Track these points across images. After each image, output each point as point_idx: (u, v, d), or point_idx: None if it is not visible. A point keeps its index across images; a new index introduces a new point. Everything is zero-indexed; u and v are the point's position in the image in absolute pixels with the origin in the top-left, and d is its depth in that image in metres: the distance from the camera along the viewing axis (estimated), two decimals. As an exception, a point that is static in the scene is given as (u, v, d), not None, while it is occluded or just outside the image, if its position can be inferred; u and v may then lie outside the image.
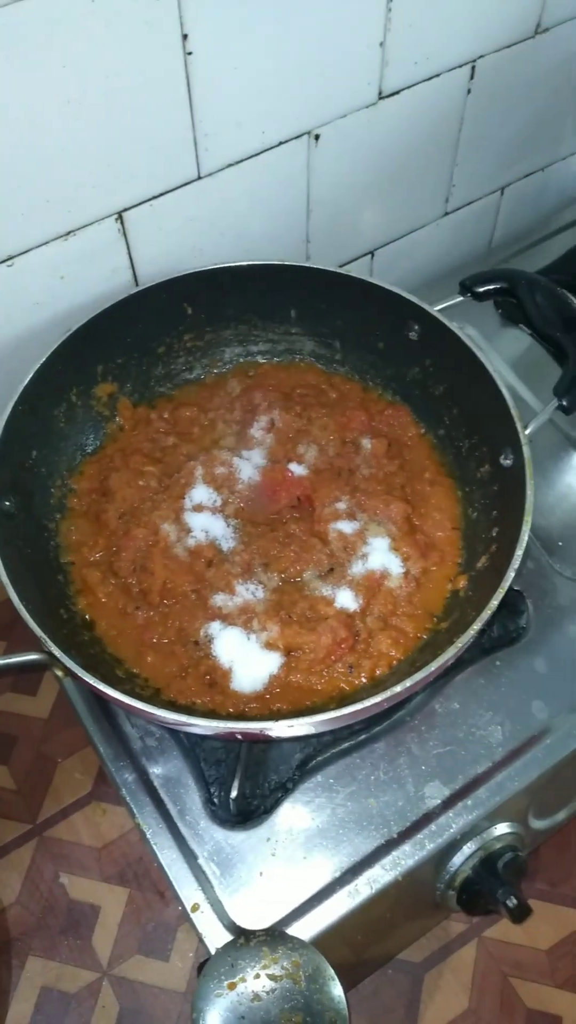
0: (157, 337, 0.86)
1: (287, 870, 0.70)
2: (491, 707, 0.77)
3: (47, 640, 0.63)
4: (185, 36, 0.70)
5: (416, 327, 0.83)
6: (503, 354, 0.98)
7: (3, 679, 1.01)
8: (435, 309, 0.80)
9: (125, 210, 0.79)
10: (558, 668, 0.79)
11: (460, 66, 0.91)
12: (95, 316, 0.78)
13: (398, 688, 0.61)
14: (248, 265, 0.82)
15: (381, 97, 0.87)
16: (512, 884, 0.74)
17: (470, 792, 0.73)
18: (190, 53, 0.71)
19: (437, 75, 0.90)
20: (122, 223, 0.80)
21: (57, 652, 0.62)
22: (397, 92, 0.88)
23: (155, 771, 0.74)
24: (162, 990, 0.85)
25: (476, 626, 0.64)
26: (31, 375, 0.75)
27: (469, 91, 0.94)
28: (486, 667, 0.80)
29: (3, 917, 0.88)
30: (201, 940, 0.68)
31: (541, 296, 0.80)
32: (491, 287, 0.82)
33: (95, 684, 0.61)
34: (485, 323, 0.99)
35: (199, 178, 0.81)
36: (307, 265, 0.83)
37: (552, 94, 1.03)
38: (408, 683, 0.61)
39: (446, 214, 1.08)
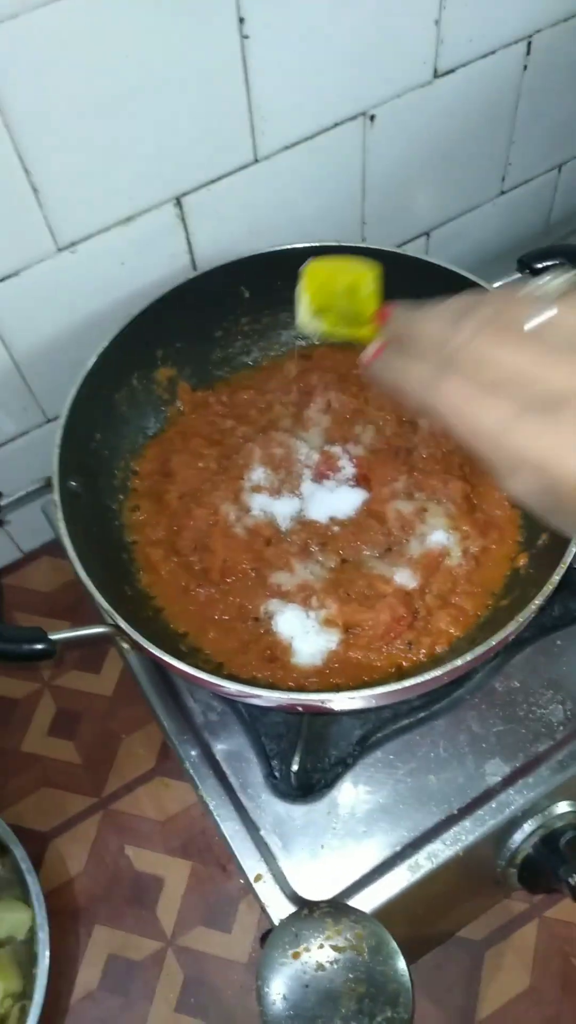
0: (215, 321, 0.88)
1: (348, 843, 0.71)
2: (552, 686, 0.77)
3: (113, 612, 0.65)
4: (242, 20, 0.71)
5: None
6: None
7: (69, 657, 1.03)
8: (493, 287, 0.80)
9: (183, 195, 0.81)
10: (620, 647, 0.78)
11: (516, 42, 0.90)
12: (154, 301, 0.80)
13: (459, 662, 0.61)
14: (305, 247, 0.83)
15: (436, 76, 0.87)
16: (574, 863, 0.73)
17: (531, 770, 0.73)
18: (247, 37, 0.72)
19: (493, 52, 0.89)
20: (180, 208, 0.81)
21: (123, 624, 0.64)
22: (452, 70, 0.88)
23: (217, 745, 0.76)
24: (225, 961, 0.87)
25: (537, 601, 0.64)
26: (94, 360, 0.77)
27: (525, 67, 0.93)
28: (547, 646, 0.79)
29: (71, 887, 0.91)
30: (264, 910, 0.69)
31: (601, 271, 0.79)
32: (550, 263, 0.81)
33: (160, 655, 0.63)
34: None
35: (256, 161, 0.82)
36: (363, 245, 0.84)
37: (610, 68, 1.01)
38: (469, 657, 0.61)
39: (502, 193, 1.07)
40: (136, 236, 0.81)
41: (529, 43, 0.91)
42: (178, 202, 0.81)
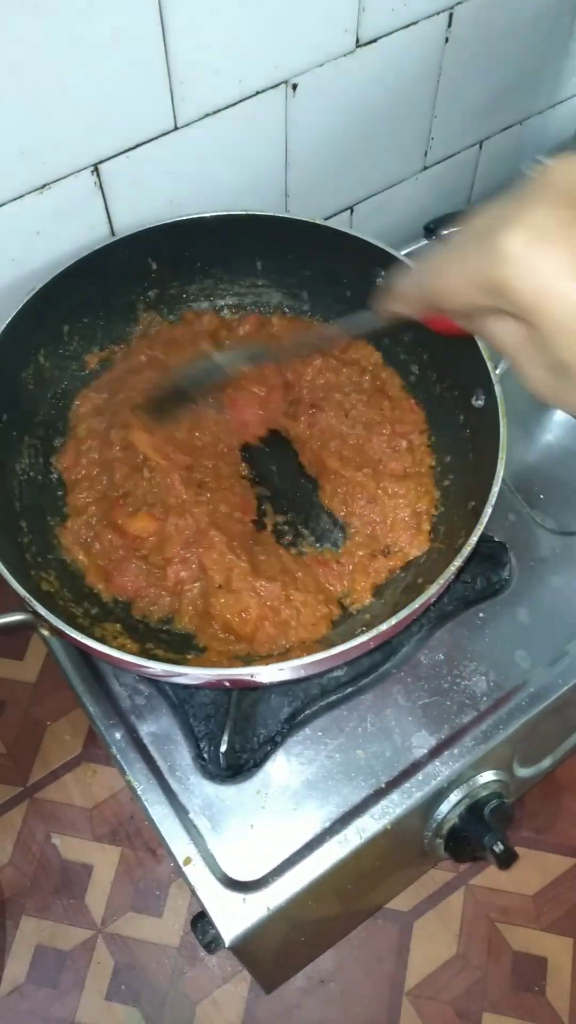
0: (122, 294, 0.85)
1: (278, 822, 0.71)
2: (475, 658, 0.78)
3: (30, 598, 0.62)
4: (158, -22, 0.68)
5: (383, 273, 0.82)
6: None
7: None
8: (401, 253, 0.79)
9: (101, 162, 0.77)
10: (540, 618, 0.80)
11: (437, 13, 0.89)
12: (57, 275, 0.76)
13: (384, 627, 0.61)
14: (211, 216, 0.81)
15: (359, 45, 0.86)
16: (499, 830, 0.75)
17: (456, 741, 0.74)
18: (164, -4, 0.70)
19: (415, 23, 0.88)
20: (98, 175, 0.78)
21: (42, 610, 0.62)
22: (375, 40, 0.86)
23: (145, 729, 0.75)
24: (156, 945, 0.86)
25: (456, 563, 0.64)
26: (-4, 337, 0.73)
27: (447, 40, 0.93)
28: (470, 619, 0.80)
29: (-4, 879, 0.89)
30: (193, 893, 0.69)
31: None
32: (455, 229, 0.81)
33: (81, 639, 0.61)
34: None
35: (176, 128, 0.80)
36: (269, 214, 0.82)
37: (528, 46, 1.02)
38: (393, 621, 0.61)
39: (425, 168, 1.06)
40: (52, 204, 0.78)
41: (451, 15, 0.90)
42: (95, 169, 0.78)
